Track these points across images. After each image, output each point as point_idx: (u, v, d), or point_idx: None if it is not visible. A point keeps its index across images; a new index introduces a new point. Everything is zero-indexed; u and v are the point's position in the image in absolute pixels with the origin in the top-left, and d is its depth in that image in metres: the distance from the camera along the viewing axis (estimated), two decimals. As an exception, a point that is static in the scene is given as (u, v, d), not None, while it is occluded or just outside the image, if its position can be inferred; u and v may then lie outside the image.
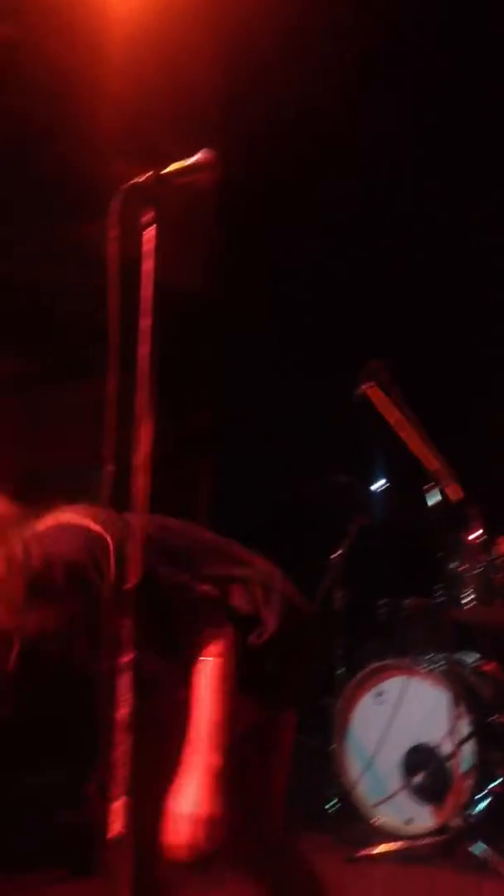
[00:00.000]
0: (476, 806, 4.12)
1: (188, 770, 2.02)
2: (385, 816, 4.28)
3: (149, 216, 2.05)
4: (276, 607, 2.28)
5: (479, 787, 4.13)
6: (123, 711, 1.82)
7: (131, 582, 1.90)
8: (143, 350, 1.99)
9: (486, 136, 5.10)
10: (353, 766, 4.40)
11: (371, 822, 4.28)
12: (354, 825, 4.30)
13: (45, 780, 4.63)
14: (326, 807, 4.46)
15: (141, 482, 1.93)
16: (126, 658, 1.85)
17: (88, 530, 2.15)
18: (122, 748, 1.82)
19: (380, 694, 4.42)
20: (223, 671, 2.08)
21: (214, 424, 5.77)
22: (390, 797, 4.28)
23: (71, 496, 2.31)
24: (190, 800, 2.01)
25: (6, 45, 4.01)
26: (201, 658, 2.08)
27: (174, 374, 2.61)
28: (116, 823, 1.83)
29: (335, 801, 4.45)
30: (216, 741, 2.03)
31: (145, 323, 2.00)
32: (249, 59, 4.56)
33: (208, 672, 2.07)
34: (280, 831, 2.42)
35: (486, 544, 4.42)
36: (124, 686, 1.83)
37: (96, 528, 2.15)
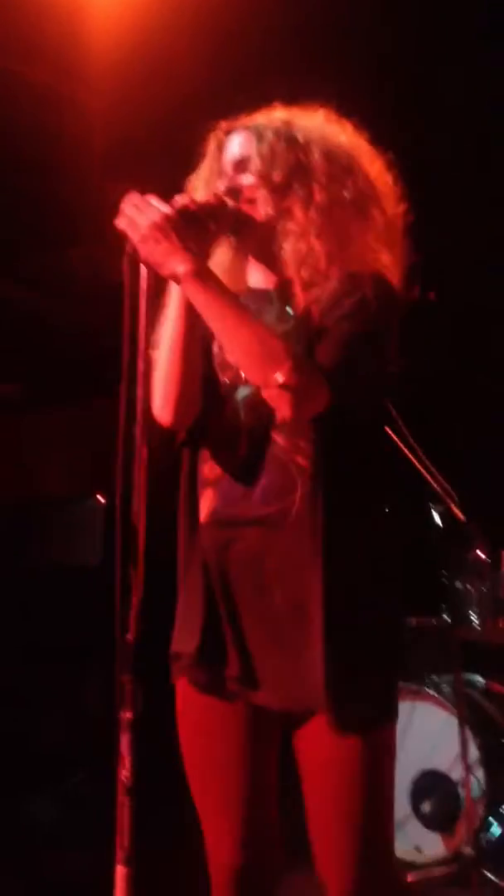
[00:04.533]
0: (488, 832, 4.03)
1: None
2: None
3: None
4: None
5: (491, 813, 4.04)
6: (125, 773, 1.73)
7: (132, 633, 1.81)
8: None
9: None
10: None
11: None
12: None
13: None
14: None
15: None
16: (128, 715, 1.76)
17: None
18: (124, 812, 1.73)
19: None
20: None
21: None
22: (398, 824, 4.18)
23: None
24: None
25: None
26: None
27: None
28: (118, 890, 1.74)
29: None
30: None
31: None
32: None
33: None
34: None
35: (492, 562, 4.33)
36: (125, 746, 1.74)
37: None
